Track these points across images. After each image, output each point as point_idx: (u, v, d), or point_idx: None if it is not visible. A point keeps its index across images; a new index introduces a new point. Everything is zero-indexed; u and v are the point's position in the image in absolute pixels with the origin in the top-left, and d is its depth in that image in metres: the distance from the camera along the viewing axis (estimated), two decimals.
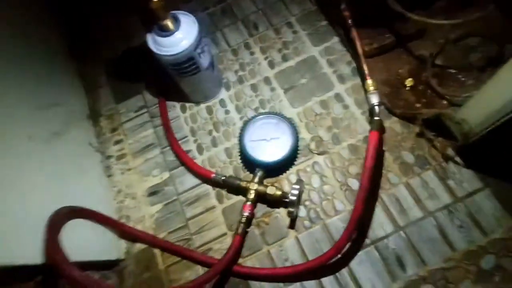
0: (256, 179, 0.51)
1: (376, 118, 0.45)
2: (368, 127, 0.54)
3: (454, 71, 0.54)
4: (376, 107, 0.46)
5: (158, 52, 0.49)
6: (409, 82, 0.54)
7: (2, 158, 0.40)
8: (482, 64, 0.54)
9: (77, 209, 0.46)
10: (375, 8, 0.53)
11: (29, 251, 0.38)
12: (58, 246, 0.36)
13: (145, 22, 0.49)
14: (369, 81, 0.47)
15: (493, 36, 0.55)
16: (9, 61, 0.49)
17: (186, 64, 0.50)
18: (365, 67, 0.48)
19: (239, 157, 0.57)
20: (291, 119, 0.55)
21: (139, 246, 0.54)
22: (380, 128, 0.44)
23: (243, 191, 0.51)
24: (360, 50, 0.49)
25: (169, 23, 0.47)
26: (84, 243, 0.47)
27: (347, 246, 0.45)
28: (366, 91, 0.48)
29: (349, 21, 0.51)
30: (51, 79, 0.60)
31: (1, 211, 0.37)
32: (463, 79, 0.53)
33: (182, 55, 0.48)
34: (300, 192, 0.46)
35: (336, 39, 0.63)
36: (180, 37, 0.48)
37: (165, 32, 0.48)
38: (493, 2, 0.55)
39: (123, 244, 0.54)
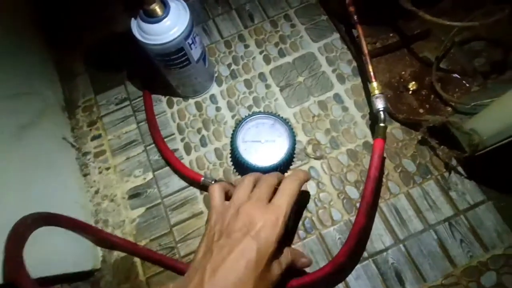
0: None
1: (381, 124, 0.41)
2: (368, 131, 0.51)
3: (458, 76, 0.52)
4: (382, 113, 0.42)
5: (143, 40, 0.43)
6: (412, 85, 0.51)
7: None
8: (486, 70, 0.52)
9: (46, 215, 0.40)
10: (381, 4, 0.50)
11: None
12: (20, 263, 0.32)
13: (130, 6, 0.44)
14: (375, 84, 0.44)
15: (499, 41, 0.53)
16: None
17: (175, 55, 0.45)
18: (370, 69, 0.45)
19: (230, 159, 0.53)
20: (288, 120, 0.51)
21: (117, 254, 0.49)
22: (385, 136, 0.41)
23: None
24: (365, 50, 0.45)
25: (157, 8, 0.42)
26: (55, 252, 0.42)
27: None
28: (369, 94, 0.45)
29: (355, 18, 0.47)
30: (22, 66, 0.53)
31: None
32: (467, 85, 0.51)
33: (171, 45, 0.43)
34: (295, 202, 0.42)
35: (336, 35, 0.59)
36: (169, 24, 0.42)
37: (152, 18, 0.42)
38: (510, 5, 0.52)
39: (99, 251, 0.50)
